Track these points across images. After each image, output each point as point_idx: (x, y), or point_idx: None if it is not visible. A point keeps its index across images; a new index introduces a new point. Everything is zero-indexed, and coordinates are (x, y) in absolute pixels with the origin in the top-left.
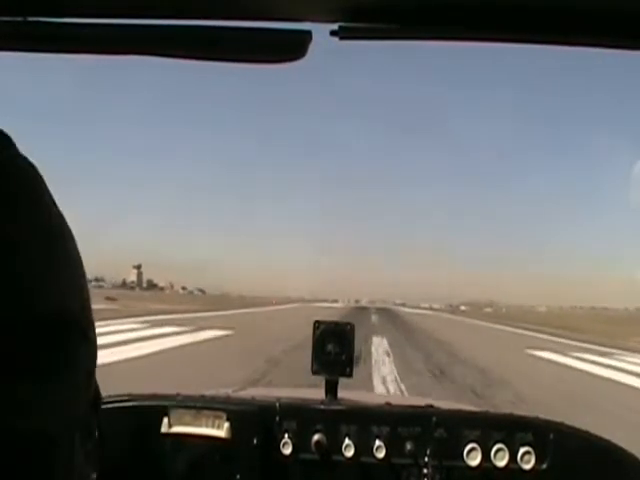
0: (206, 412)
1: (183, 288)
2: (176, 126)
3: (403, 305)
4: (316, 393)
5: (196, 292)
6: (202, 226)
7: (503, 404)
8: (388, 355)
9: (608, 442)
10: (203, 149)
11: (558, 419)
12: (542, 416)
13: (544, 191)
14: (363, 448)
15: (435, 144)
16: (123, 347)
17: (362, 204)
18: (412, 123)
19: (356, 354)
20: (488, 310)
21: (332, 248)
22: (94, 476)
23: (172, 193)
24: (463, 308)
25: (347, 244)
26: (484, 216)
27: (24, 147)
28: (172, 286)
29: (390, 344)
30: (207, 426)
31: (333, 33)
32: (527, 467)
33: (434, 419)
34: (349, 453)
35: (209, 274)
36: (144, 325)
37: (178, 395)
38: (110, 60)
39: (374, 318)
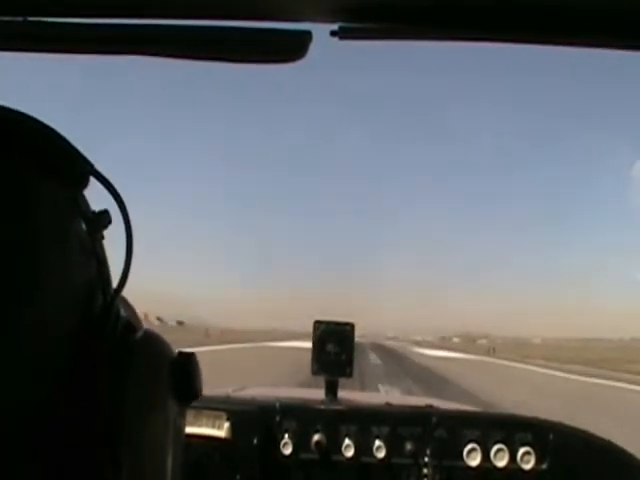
0: (206, 412)
1: (158, 319)
2: (164, 139)
3: (395, 339)
4: (316, 393)
5: (171, 324)
6: (187, 255)
7: None
8: None
9: (608, 442)
10: (192, 169)
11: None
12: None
13: (539, 210)
14: (363, 448)
15: (434, 152)
16: None
17: (356, 222)
18: (413, 124)
19: None
20: (483, 342)
21: (317, 278)
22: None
23: (156, 215)
24: (456, 340)
25: (334, 272)
26: (477, 244)
27: None
28: (146, 316)
29: None
30: (207, 426)
31: (333, 33)
32: (527, 467)
33: (434, 419)
34: (349, 453)
35: (192, 305)
36: None
37: None
38: (108, 60)
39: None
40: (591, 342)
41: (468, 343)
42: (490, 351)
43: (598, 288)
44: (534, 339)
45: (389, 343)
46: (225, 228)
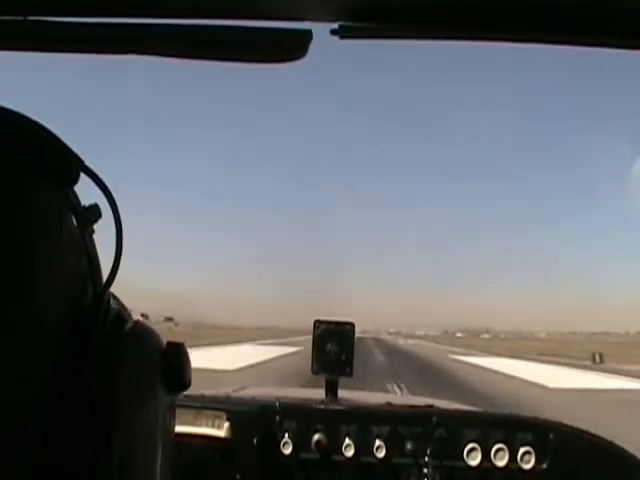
0: (206, 412)
1: (143, 315)
2: (158, 139)
3: (398, 334)
4: (316, 393)
5: (155, 320)
6: (186, 253)
7: None
8: None
9: (608, 442)
10: (188, 167)
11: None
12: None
13: (540, 207)
14: (363, 448)
15: (434, 153)
16: None
17: (357, 218)
18: (413, 123)
19: None
20: (486, 336)
21: (317, 275)
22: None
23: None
24: (459, 335)
25: (334, 270)
26: (480, 239)
27: None
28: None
29: None
30: (207, 426)
31: (333, 32)
32: (527, 467)
33: (434, 419)
34: (349, 453)
35: (186, 302)
36: None
37: None
38: (106, 60)
39: None
40: (597, 336)
41: (472, 338)
42: (596, 358)
43: (599, 283)
44: (538, 333)
45: (406, 347)
46: (225, 227)
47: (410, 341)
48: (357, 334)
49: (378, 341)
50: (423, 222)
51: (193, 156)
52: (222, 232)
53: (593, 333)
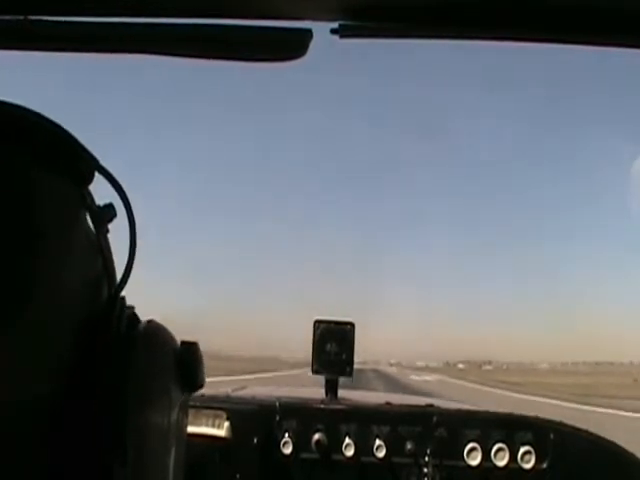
0: (206, 411)
1: None
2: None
3: (399, 365)
4: (316, 393)
5: None
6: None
7: None
8: None
9: (608, 441)
10: (185, 172)
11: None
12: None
13: (540, 229)
14: (363, 447)
15: (438, 155)
16: None
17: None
18: (414, 123)
19: None
20: (488, 368)
21: (317, 295)
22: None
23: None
24: (461, 366)
25: (333, 289)
26: (481, 264)
27: None
28: None
29: None
30: (207, 425)
31: (333, 31)
32: (527, 466)
33: (434, 419)
34: (349, 452)
35: (187, 330)
36: None
37: None
38: (108, 60)
39: None
40: (601, 366)
41: (474, 369)
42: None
43: (600, 311)
44: (540, 364)
45: (442, 395)
46: (225, 239)
47: (428, 377)
48: (355, 365)
49: (382, 377)
50: (421, 247)
51: (191, 163)
52: (222, 245)
53: (597, 363)
